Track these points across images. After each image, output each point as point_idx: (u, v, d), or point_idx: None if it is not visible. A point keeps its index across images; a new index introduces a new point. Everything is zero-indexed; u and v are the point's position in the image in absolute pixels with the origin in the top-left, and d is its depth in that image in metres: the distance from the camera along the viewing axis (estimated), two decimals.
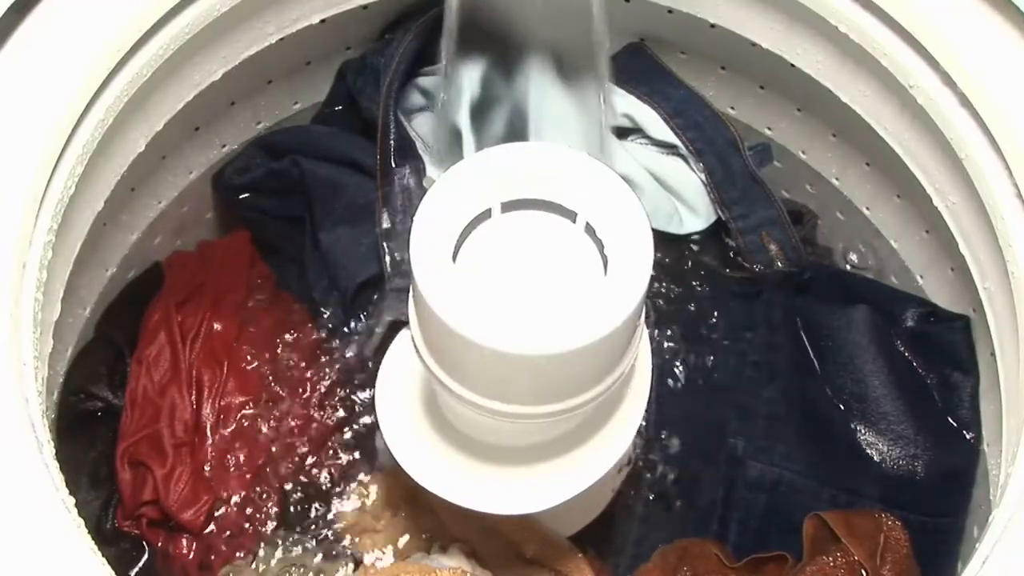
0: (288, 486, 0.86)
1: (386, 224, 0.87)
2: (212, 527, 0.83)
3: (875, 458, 0.84)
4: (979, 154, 0.73)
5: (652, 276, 0.59)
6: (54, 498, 0.58)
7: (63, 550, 0.57)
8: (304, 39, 0.88)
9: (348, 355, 0.90)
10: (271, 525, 0.85)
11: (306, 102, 0.97)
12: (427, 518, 0.83)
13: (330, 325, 0.90)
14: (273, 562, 0.83)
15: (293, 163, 0.90)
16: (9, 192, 0.66)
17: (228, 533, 0.83)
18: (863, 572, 0.76)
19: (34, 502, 0.58)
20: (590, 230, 0.62)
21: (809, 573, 0.76)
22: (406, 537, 0.84)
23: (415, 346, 0.64)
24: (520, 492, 0.71)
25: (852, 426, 0.85)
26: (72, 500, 0.59)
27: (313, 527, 0.85)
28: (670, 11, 0.91)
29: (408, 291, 0.64)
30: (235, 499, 0.84)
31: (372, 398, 0.84)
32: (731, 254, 0.94)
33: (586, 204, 0.62)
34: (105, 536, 0.82)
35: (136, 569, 0.83)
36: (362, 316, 0.89)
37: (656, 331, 0.90)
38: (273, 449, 0.86)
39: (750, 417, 0.87)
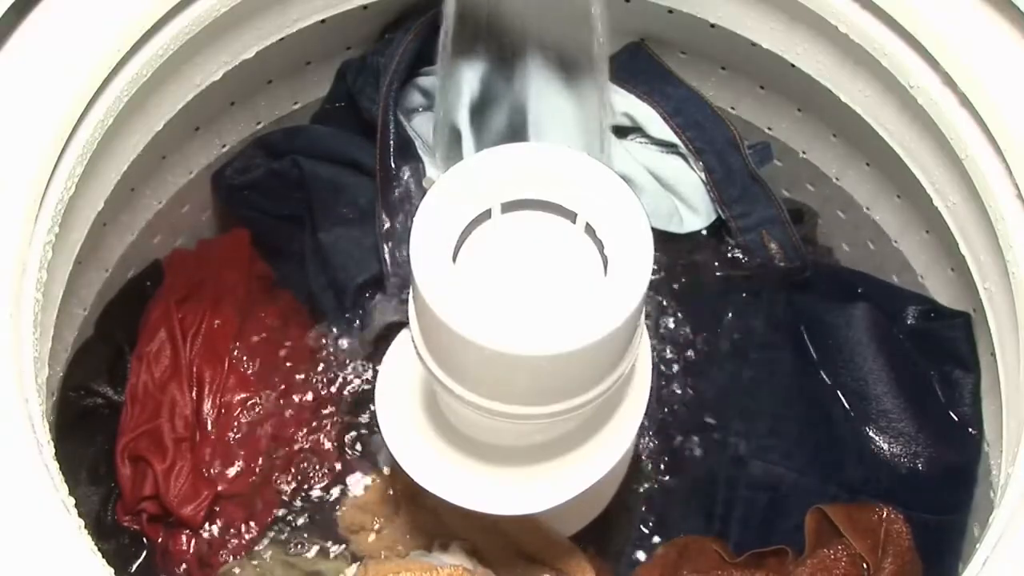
0: (288, 484, 0.86)
1: (386, 224, 0.87)
2: (211, 523, 0.83)
3: (876, 456, 0.84)
4: (979, 154, 0.73)
5: (652, 275, 0.59)
6: (54, 498, 0.58)
7: (63, 550, 0.57)
8: (304, 39, 0.88)
9: (348, 354, 0.90)
10: (270, 522, 0.85)
11: (306, 102, 0.97)
12: (427, 516, 0.83)
13: (330, 324, 0.90)
14: (272, 559, 0.83)
15: (293, 163, 0.90)
16: (9, 192, 0.66)
17: (228, 529, 0.83)
18: (864, 565, 0.77)
19: (34, 502, 0.58)
20: (590, 230, 0.62)
21: (810, 566, 0.76)
22: (406, 535, 0.84)
23: (415, 346, 0.64)
24: (520, 492, 0.71)
25: (853, 424, 0.85)
26: (72, 500, 0.59)
27: (313, 525, 0.85)
28: (670, 11, 0.91)
29: (408, 291, 0.64)
30: (235, 496, 0.84)
31: (372, 398, 0.84)
32: (731, 253, 0.94)
33: (586, 204, 0.62)
34: (105, 531, 0.82)
35: (136, 565, 0.83)
36: (361, 316, 0.89)
37: (656, 330, 0.90)
38: (273, 446, 0.86)
39: (751, 416, 0.87)
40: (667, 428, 0.88)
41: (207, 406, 0.85)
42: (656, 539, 0.84)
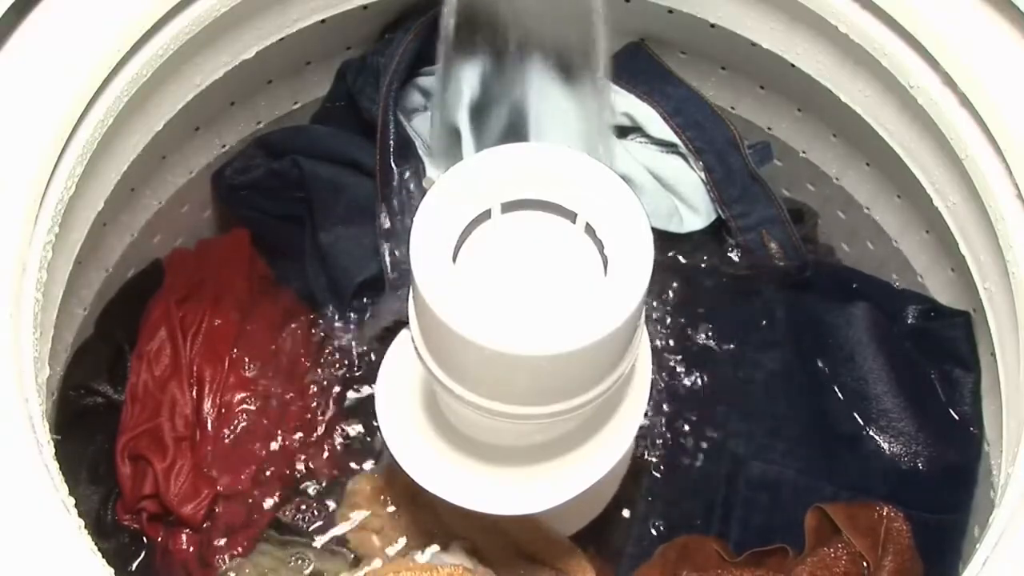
0: (288, 483, 0.86)
1: (386, 224, 0.87)
2: (211, 522, 0.83)
3: (876, 455, 0.84)
4: (979, 154, 0.73)
5: (652, 276, 0.59)
6: (54, 498, 0.58)
7: (63, 550, 0.57)
8: (304, 39, 0.88)
9: (348, 354, 0.90)
10: (270, 521, 0.85)
11: (306, 102, 0.97)
12: (427, 516, 0.83)
13: (330, 324, 0.90)
14: (272, 559, 0.83)
15: (293, 163, 0.90)
16: (9, 192, 0.66)
17: (227, 528, 0.83)
18: (864, 563, 0.77)
19: (34, 502, 0.58)
20: (590, 230, 0.62)
21: (810, 564, 0.76)
22: (406, 535, 0.84)
23: (415, 346, 0.64)
24: (520, 492, 0.71)
25: (853, 424, 0.85)
26: (72, 500, 0.59)
27: (313, 524, 0.85)
28: (670, 11, 0.91)
29: (408, 291, 0.64)
30: (235, 495, 0.84)
31: (372, 397, 0.84)
32: (731, 253, 0.94)
33: (586, 204, 0.62)
34: (105, 530, 0.82)
35: (136, 564, 0.83)
36: (362, 316, 0.89)
37: (656, 330, 0.90)
38: (273, 446, 0.86)
39: (751, 415, 0.87)
40: (667, 428, 0.88)
41: (207, 405, 0.85)
42: (656, 539, 0.84)
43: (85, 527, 0.58)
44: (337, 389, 0.90)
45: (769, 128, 0.97)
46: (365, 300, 0.88)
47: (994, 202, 0.72)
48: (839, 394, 0.87)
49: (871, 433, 0.85)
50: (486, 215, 0.62)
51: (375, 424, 0.76)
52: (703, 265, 0.94)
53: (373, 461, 0.88)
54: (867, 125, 0.84)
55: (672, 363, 0.90)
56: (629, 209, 0.61)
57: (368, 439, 0.88)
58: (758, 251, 0.93)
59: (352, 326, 0.89)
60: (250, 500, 0.85)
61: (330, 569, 0.83)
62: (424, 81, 0.93)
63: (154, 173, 0.88)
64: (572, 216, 0.62)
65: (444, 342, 0.60)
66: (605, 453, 0.72)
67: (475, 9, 0.78)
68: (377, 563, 0.81)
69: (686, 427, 0.88)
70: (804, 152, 0.97)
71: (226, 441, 0.85)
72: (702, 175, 0.93)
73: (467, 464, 0.72)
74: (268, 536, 0.85)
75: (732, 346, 0.91)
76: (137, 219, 0.89)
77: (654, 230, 0.60)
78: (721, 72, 0.96)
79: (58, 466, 0.61)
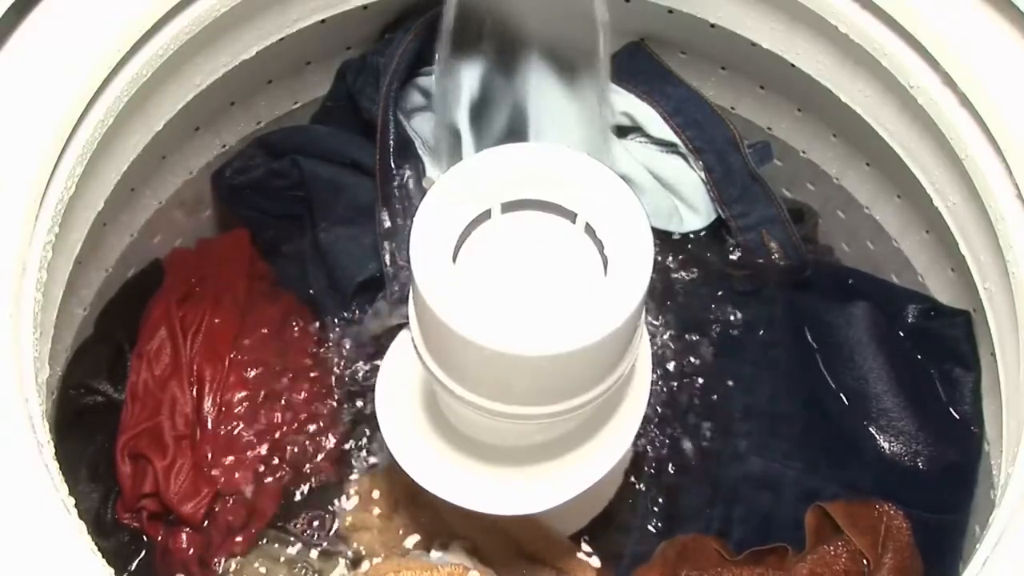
0: (288, 482, 0.86)
1: (386, 224, 0.87)
2: (211, 522, 0.83)
3: (877, 455, 0.84)
4: (979, 154, 0.73)
5: (652, 276, 0.59)
6: (54, 499, 0.58)
7: (63, 550, 0.57)
8: (304, 39, 0.88)
9: (348, 354, 0.90)
10: (270, 520, 0.85)
11: (306, 102, 0.97)
12: (427, 515, 0.83)
13: (330, 324, 0.90)
14: (272, 558, 0.83)
15: (293, 163, 0.90)
16: (9, 192, 0.66)
17: (227, 528, 0.83)
18: (864, 561, 0.77)
19: (34, 502, 0.58)
20: (590, 230, 0.62)
21: (811, 562, 0.77)
22: (406, 534, 0.84)
23: (415, 347, 0.64)
24: (520, 493, 0.71)
25: (853, 423, 0.85)
26: (72, 501, 0.59)
27: (313, 524, 0.85)
28: (670, 11, 0.91)
29: (408, 291, 0.64)
30: (235, 494, 0.84)
31: (372, 398, 0.84)
32: (731, 252, 0.94)
33: (586, 204, 0.62)
34: (105, 529, 0.82)
35: (136, 563, 0.83)
36: (361, 316, 0.89)
37: (656, 330, 0.91)
38: (273, 445, 0.86)
39: (751, 415, 0.87)
40: (667, 427, 0.88)
41: (207, 404, 0.85)
42: (656, 539, 0.84)
43: (85, 526, 0.59)
44: (336, 389, 0.90)
45: (769, 128, 0.97)
46: (365, 300, 0.88)
47: (994, 202, 0.72)
48: (839, 394, 0.87)
49: (871, 432, 0.85)
50: (486, 215, 0.62)
51: (375, 424, 0.76)
52: (703, 265, 0.94)
53: (373, 461, 0.88)
54: (867, 125, 0.84)
55: (672, 363, 0.90)
56: (629, 209, 0.61)
57: (368, 439, 0.88)
58: (758, 251, 0.93)
59: (352, 326, 0.89)
60: (250, 499, 0.85)
61: (330, 568, 0.83)
62: (424, 81, 0.93)
63: (154, 173, 0.88)
64: (572, 216, 0.62)
65: (444, 342, 0.60)
66: (605, 453, 0.72)
67: (475, 9, 0.78)
68: (377, 563, 0.81)
69: (686, 426, 0.88)
70: (804, 152, 0.97)
71: (226, 440, 0.85)
72: (702, 175, 0.93)
73: (467, 464, 0.72)
74: (268, 536, 0.85)
75: (732, 346, 0.91)
76: (137, 219, 0.89)
77: (654, 230, 0.60)
78: (721, 72, 0.96)
79: (58, 466, 0.61)
